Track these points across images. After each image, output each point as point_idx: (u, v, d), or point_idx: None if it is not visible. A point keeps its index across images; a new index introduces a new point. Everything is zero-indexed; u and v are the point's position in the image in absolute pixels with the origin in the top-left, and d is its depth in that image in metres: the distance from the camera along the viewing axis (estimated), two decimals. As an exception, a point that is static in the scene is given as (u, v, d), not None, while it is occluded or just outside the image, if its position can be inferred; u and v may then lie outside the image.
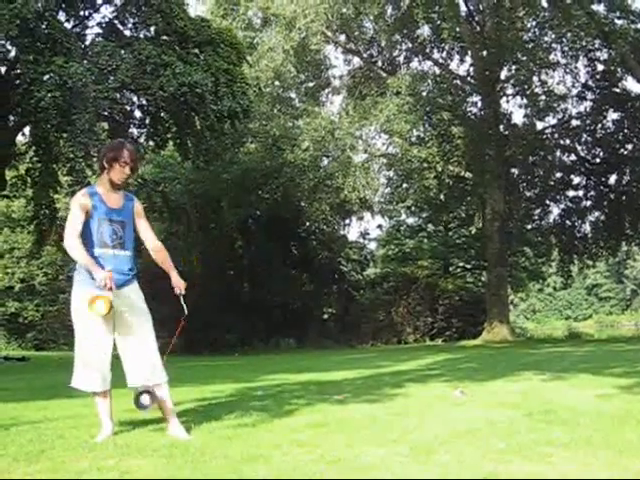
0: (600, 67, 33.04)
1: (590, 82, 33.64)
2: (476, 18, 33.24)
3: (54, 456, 4.88)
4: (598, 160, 35.04)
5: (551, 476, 3.96)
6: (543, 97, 32.58)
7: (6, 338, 44.84)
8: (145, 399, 5.74)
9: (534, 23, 31.59)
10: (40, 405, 8.52)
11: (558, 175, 36.02)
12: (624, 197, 34.42)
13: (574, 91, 33.88)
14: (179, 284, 5.97)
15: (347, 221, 38.71)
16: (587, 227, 36.91)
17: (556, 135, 34.74)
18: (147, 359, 5.86)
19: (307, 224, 36.27)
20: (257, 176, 31.82)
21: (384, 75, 33.65)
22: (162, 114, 25.25)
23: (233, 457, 4.64)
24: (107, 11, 24.92)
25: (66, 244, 5.70)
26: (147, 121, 26.15)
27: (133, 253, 6.03)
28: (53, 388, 11.39)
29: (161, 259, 6.10)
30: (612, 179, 35.43)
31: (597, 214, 36.63)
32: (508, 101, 34.84)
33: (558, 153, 35.58)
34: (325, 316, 38.36)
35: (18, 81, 22.13)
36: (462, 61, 35.31)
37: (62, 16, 24.00)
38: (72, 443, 5.42)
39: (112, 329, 5.82)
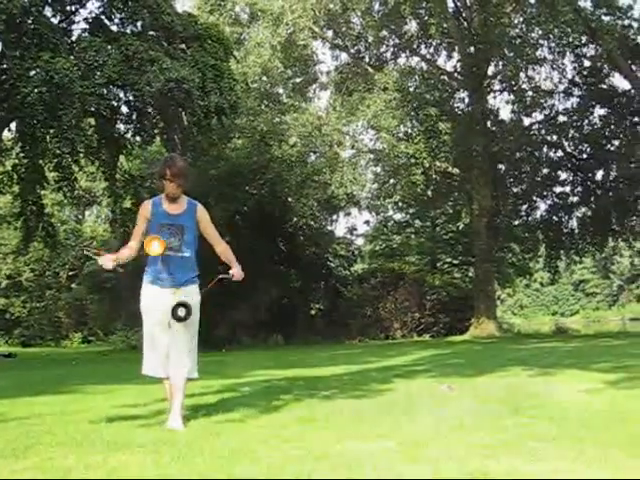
0: (587, 63, 33.17)
1: (577, 78, 33.74)
2: (463, 14, 33.24)
3: (41, 452, 4.88)
4: (585, 156, 35.12)
5: (537, 471, 3.97)
6: (530, 93, 32.70)
7: (-8, 334, 44.80)
8: (182, 311, 6.17)
9: (521, 19, 31.62)
10: (27, 401, 8.49)
11: (545, 171, 36.10)
12: (610, 193, 34.49)
13: (561, 87, 34.01)
14: (238, 275, 6.54)
15: (334, 217, 38.67)
16: (574, 223, 36.99)
17: (543, 131, 34.82)
18: (186, 355, 6.39)
19: (294, 220, 36.16)
20: (244, 172, 31.70)
21: (371, 71, 33.61)
22: (149, 110, 25.16)
23: (220, 453, 4.64)
24: (93, 6, 24.94)
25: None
26: (134, 117, 26.02)
27: (194, 255, 6.55)
28: (40, 384, 11.38)
29: (225, 257, 6.69)
30: (599, 175, 35.58)
31: (584, 210, 36.70)
32: (495, 97, 34.88)
33: (545, 149, 35.68)
34: (312, 312, 38.31)
35: (4, 76, 22.04)
36: (449, 57, 35.37)
37: (48, 11, 23.93)
38: (59, 439, 5.41)
39: (167, 325, 6.35)
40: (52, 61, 20.05)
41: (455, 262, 43.57)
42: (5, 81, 21.79)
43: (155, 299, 6.36)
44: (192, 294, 6.42)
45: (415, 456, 4.41)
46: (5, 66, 21.88)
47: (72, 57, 21.67)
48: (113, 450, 4.86)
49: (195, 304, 6.38)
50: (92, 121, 25.31)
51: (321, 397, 7.86)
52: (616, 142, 34.55)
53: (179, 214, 6.51)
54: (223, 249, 6.68)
